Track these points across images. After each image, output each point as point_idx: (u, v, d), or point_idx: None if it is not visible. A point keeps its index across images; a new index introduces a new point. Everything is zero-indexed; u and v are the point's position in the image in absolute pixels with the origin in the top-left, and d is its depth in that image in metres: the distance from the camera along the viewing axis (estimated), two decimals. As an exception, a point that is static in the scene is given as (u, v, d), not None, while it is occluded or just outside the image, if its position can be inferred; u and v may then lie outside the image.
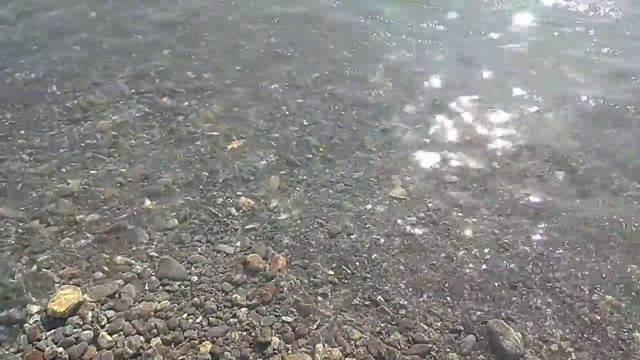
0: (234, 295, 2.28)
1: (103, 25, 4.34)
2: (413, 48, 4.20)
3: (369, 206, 2.80)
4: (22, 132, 3.20)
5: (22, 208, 2.68)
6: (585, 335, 2.16)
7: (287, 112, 3.47)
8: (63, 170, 2.94)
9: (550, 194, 2.92)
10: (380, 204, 2.82)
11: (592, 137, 3.33)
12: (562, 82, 3.89)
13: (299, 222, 2.69)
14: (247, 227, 2.65)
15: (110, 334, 2.09)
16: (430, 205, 2.82)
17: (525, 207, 2.83)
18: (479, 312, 2.25)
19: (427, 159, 3.14)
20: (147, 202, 2.77)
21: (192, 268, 2.42)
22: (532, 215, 2.77)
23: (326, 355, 2.05)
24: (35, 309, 2.17)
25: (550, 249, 2.57)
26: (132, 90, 3.62)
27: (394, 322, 2.20)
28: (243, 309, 2.22)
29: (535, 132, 3.37)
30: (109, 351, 2.02)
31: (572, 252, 2.56)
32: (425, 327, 2.18)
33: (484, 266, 2.47)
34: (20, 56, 3.89)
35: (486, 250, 2.56)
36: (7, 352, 2.01)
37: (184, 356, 2.03)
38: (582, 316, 2.24)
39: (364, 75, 3.84)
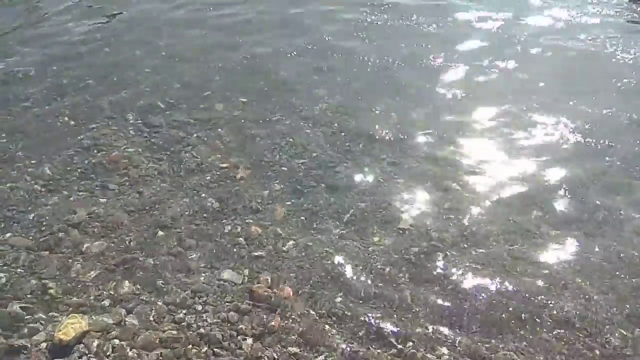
0: (240, 326, 2.27)
1: (115, 57, 4.45)
2: (422, 82, 4.26)
3: (375, 238, 2.80)
4: (34, 161, 3.26)
5: (32, 237, 2.71)
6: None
7: (294, 143, 3.51)
8: (73, 199, 2.98)
9: (558, 223, 2.91)
10: (385, 234, 2.83)
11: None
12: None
13: (305, 251, 2.70)
14: (254, 255, 2.67)
15: (115, 364, 2.08)
16: (435, 235, 2.82)
17: (535, 237, 2.82)
18: (486, 345, 2.22)
19: (434, 190, 3.15)
20: (155, 231, 2.79)
21: (197, 297, 2.43)
22: (541, 245, 2.76)
23: (332, 388, 2.03)
24: (41, 337, 2.17)
25: (561, 279, 2.55)
26: (143, 122, 3.69)
27: (401, 355, 2.17)
28: (249, 340, 2.21)
29: (542, 164, 3.38)
30: (114, 381, 2.01)
31: (583, 283, 2.54)
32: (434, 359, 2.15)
33: (492, 296, 2.45)
34: (34, 87, 3.99)
35: (494, 280, 2.54)
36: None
37: (189, 387, 2.02)
38: (595, 350, 2.21)
39: (371, 107, 3.90)
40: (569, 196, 3.10)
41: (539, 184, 3.20)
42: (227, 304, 2.39)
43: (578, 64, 4.55)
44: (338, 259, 2.65)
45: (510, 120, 3.78)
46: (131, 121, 3.70)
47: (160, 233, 2.79)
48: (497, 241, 2.79)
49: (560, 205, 3.04)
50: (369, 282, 2.52)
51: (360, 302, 2.43)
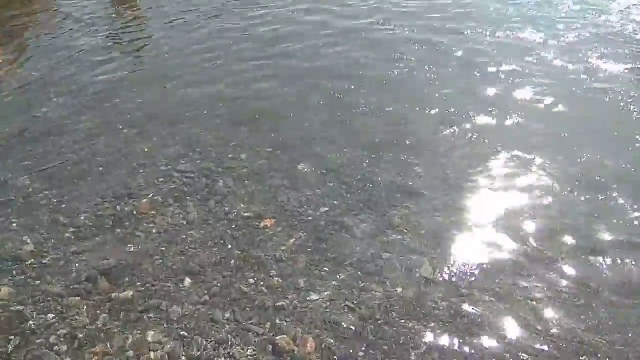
0: (262, 379, 2.27)
1: (146, 105, 4.61)
2: (446, 135, 4.30)
3: (399, 289, 2.80)
4: (65, 207, 3.38)
5: (63, 283, 2.79)
6: None
7: (317, 193, 3.57)
8: (103, 247, 3.08)
9: (589, 279, 2.87)
10: (410, 285, 2.82)
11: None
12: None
13: (328, 303, 2.71)
14: (277, 305, 2.69)
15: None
16: (462, 289, 2.80)
17: (561, 293, 2.77)
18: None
19: (459, 240, 3.14)
20: (181, 280, 2.85)
21: (221, 348, 2.45)
22: (569, 301, 2.71)
23: None
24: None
25: (594, 338, 2.50)
26: (173, 169, 3.81)
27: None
28: (270, 394, 2.21)
29: (568, 214, 3.35)
30: None
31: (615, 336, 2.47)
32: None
33: (516, 353, 2.41)
34: (67, 134, 4.16)
35: (519, 337, 2.49)
36: None
37: None
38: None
39: (394, 159, 3.94)
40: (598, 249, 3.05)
41: (568, 238, 3.17)
42: (249, 356, 2.40)
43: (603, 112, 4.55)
44: (361, 312, 2.65)
45: (537, 174, 3.77)
46: (161, 168, 3.83)
47: (187, 281, 2.85)
48: (524, 297, 2.75)
49: (587, 256, 3.00)
50: (393, 335, 2.50)
51: (383, 356, 2.41)
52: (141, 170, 3.78)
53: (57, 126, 4.27)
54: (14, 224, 3.25)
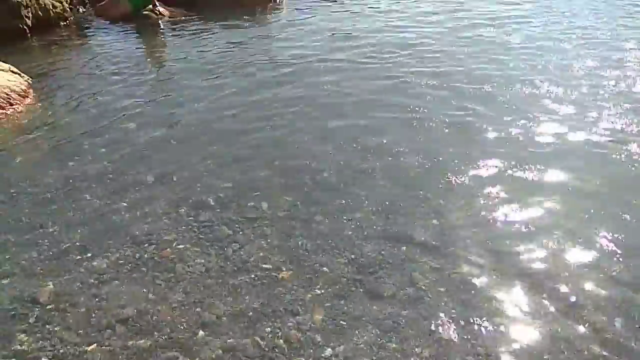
0: None
1: (172, 160, 4.74)
2: (466, 185, 4.30)
3: (417, 349, 2.75)
4: (90, 254, 3.45)
5: (81, 331, 2.82)
6: None
7: (335, 246, 3.58)
8: (122, 294, 3.12)
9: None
10: (429, 345, 2.77)
11: None
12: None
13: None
14: (293, 361, 2.67)
15: None
16: (482, 350, 2.73)
17: None
18: None
19: (478, 301, 3.09)
20: (197, 331, 2.85)
21: (236, 405, 2.42)
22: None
23: None
24: None
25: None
26: (194, 218, 3.88)
27: None
28: None
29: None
30: None
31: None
32: None
33: None
34: (96, 185, 4.29)
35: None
36: None
37: None
38: None
39: (414, 210, 3.95)
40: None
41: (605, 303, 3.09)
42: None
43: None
44: (378, 370, 2.60)
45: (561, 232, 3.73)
46: (183, 217, 3.90)
47: (202, 333, 2.84)
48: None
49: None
50: (410, 398, 2.44)
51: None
52: (164, 219, 3.85)
53: (86, 174, 4.41)
54: (38, 268, 3.32)
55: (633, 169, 4.50)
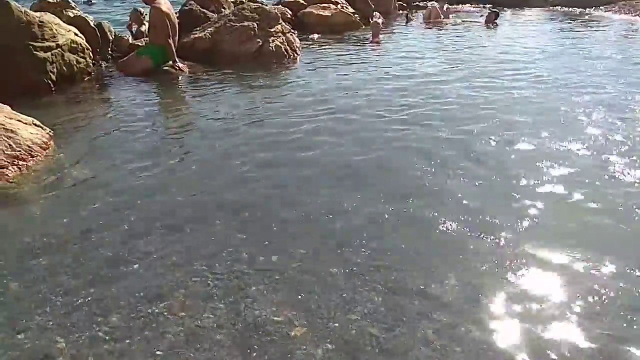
0: None
1: (185, 208, 4.80)
2: (482, 245, 4.27)
3: (432, 411, 2.66)
4: (101, 309, 3.44)
5: (91, 388, 2.78)
6: None
7: (348, 300, 3.54)
8: (133, 350, 3.08)
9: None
10: (444, 408, 2.68)
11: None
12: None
13: None
14: None
15: None
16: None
17: None
18: None
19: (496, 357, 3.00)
20: (207, 390, 2.80)
21: None
22: None
23: None
24: None
25: None
26: (207, 270, 3.88)
27: None
28: None
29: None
30: None
31: None
32: None
33: None
34: (108, 234, 4.33)
35: None
36: None
37: None
38: None
39: (427, 265, 3.91)
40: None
41: None
42: None
43: None
44: None
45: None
46: (196, 268, 3.90)
47: (212, 392, 2.79)
48: None
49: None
50: None
51: None
52: (175, 271, 3.86)
53: (100, 225, 4.46)
54: (50, 323, 3.31)
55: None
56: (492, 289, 3.64)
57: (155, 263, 3.96)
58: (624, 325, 3.30)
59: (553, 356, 3.03)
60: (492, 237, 4.25)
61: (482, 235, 4.28)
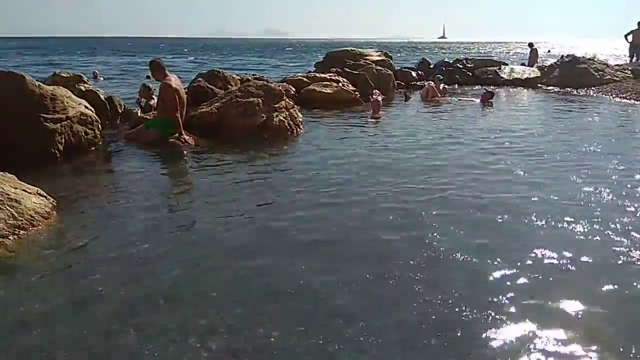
0: None
1: (184, 279, 4.77)
2: (488, 325, 4.19)
3: None
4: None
5: None
6: None
7: (350, 380, 3.41)
8: None
9: None
10: None
11: None
12: None
13: None
14: None
15: None
16: None
17: None
18: None
19: None
20: None
21: None
22: None
23: None
24: None
25: None
26: (202, 346, 3.77)
27: None
28: None
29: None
30: None
31: None
32: None
33: None
34: (105, 305, 4.27)
35: None
36: None
37: None
38: None
39: (435, 347, 3.80)
40: None
41: None
42: None
43: None
44: None
45: None
46: (191, 344, 3.79)
47: None
48: None
49: None
50: None
51: None
52: (172, 347, 3.75)
53: (98, 296, 4.40)
54: (39, 399, 3.18)
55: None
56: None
57: (152, 336, 3.85)
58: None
59: None
60: (495, 323, 4.17)
61: (487, 320, 4.20)
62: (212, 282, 4.71)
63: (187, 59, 52.37)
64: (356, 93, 16.40)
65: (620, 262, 5.15)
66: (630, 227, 5.96)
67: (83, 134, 9.21)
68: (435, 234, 5.73)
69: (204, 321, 4.08)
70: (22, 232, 5.49)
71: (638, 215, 6.40)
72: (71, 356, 3.60)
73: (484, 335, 3.90)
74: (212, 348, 3.74)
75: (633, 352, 3.66)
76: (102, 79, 26.22)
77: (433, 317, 4.15)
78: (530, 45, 30.26)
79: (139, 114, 11.76)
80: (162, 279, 4.73)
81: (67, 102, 9.00)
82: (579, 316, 4.17)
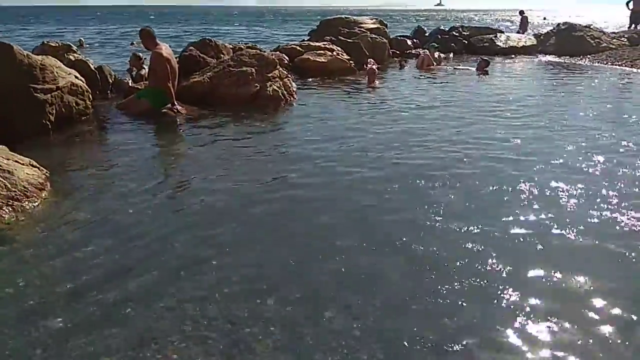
0: None
1: (181, 250, 4.77)
2: (476, 290, 4.24)
3: None
4: (92, 354, 3.35)
5: None
6: None
7: (343, 345, 3.47)
8: (123, 396, 3.00)
9: None
10: None
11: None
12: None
13: None
14: None
15: None
16: None
17: None
18: None
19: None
20: None
21: None
22: None
23: None
24: None
25: None
26: (200, 314, 3.80)
27: None
28: None
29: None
30: None
31: None
32: None
33: None
34: (99, 274, 4.29)
35: None
36: None
37: None
38: None
39: (425, 311, 3.86)
40: None
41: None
42: None
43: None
44: None
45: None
46: (189, 312, 3.82)
47: None
48: None
49: None
50: None
51: None
52: (169, 315, 3.78)
53: (93, 267, 4.41)
54: (39, 364, 3.23)
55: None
56: (479, 332, 3.58)
57: (148, 306, 3.88)
58: None
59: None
60: (485, 285, 4.22)
61: (473, 284, 4.25)
62: (209, 251, 4.72)
63: (176, 28, 51.43)
64: (351, 62, 16.20)
65: (604, 222, 5.22)
66: (620, 190, 6.02)
67: (74, 104, 9.07)
68: (427, 200, 5.76)
69: (201, 290, 4.10)
70: (16, 203, 5.45)
71: (630, 179, 6.46)
72: (67, 327, 3.62)
73: (466, 301, 3.98)
74: (208, 315, 3.78)
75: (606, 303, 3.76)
76: (87, 46, 25.86)
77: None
78: (521, 12, 30.38)
79: (130, 84, 11.58)
80: (158, 250, 4.73)
81: (57, 72, 8.83)
82: (558, 281, 4.24)
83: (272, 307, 3.89)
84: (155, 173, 6.90)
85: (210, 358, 3.34)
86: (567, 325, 3.64)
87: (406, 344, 3.47)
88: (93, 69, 10.98)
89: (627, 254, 4.65)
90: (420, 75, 16.63)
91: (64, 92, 8.83)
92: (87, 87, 9.46)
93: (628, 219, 5.36)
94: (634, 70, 18.18)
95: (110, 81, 11.47)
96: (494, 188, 6.26)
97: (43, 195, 5.82)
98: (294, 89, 12.03)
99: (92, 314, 3.77)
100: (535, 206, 5.69)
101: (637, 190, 6.20)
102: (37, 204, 5.62)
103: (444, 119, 10.13)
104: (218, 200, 5.88)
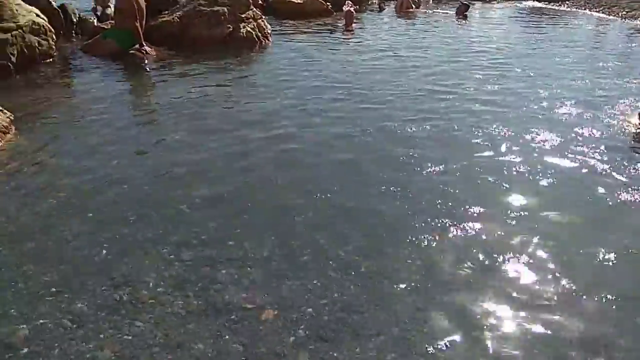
0: None
1: (156, 196, 4.72)
2: (452, 231, 4.33)
3: (402, 392, 2.70)
4: (67, 296, 3.35)
5: (56, 377, 2.71)
6: None
7: (320, 285, 3.55)
8: (100, 337, 3.01)
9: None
10: (414, 389, 2.73)
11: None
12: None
13: (329, 406, 2.60)
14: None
15: None
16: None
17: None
18: None
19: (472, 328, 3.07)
20: (177, 376, 2.76)
21: None
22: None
23: None
24: None
25: None
26: (175, 257, 3.81)
27: None
28: None
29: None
30: None
31: None
32: None
33: None
34: (75, 220, 4.23)
35: None
36: None
37: None
38: None
39: (397, 251, 3.96)
40: None
41: None
42: None
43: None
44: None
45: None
46: (165, 256, 3.83)
47: (182, 377, 2.75)
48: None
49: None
50: None
51: None
52: (144, 258, 3.78)
53: (67, 212, 4.33)
54: (12, 311, 3.20)
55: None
56: (454, 278, 3.70)
57: (123, 250, 3.87)
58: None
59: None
60: (462, 228, 4.33)
61: (452, 225, 4.35)
62: (182, 196, 4.68)
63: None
64: (327, 3, 15.68)
65: (570, 161, 5.37)
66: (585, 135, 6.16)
67: (37, 44, 8.59)
68: (403, 148, 5.79)
69: (176, 235, 4.09)
70: (-21, 147, 5.25)
71: (602, 122, 6.60)
72: (41, 270, 3.59)
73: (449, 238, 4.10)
74: (184, 258, 3.80)
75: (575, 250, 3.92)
76: None
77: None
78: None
79: (96, 24, 11.00)
80: (130, 195, 4.66)
81: (17, 10, 8.30)
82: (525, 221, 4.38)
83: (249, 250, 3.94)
84: (122, 118, 6.69)
85: (185, 299, 3.38)
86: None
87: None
88: (55, 7, 10.35)
89: (591, 188, 4.84)
90: (399, 19, 16.28)
91: (25, 31, 8.33)
92: (50, 26, 8.94)
93: (596, 160, 5.53)
94: (610, 17, 18.15)
95: (75, 21, 10.86)
96: (467, 130, 6.33)
97: (8, 138, 5.61)
98: (269, 31, 11.64)
99: (63, 258, 3.73)
100: (502, 149, 5.80)
101: (601, 132, 6.35)
102: (2, 147, 5.42)
103: (420, 65, 10.01)
104: (189, 146, 5.78)
